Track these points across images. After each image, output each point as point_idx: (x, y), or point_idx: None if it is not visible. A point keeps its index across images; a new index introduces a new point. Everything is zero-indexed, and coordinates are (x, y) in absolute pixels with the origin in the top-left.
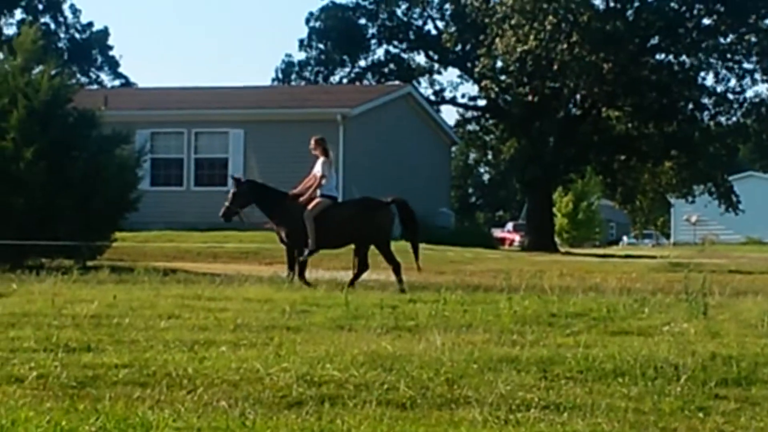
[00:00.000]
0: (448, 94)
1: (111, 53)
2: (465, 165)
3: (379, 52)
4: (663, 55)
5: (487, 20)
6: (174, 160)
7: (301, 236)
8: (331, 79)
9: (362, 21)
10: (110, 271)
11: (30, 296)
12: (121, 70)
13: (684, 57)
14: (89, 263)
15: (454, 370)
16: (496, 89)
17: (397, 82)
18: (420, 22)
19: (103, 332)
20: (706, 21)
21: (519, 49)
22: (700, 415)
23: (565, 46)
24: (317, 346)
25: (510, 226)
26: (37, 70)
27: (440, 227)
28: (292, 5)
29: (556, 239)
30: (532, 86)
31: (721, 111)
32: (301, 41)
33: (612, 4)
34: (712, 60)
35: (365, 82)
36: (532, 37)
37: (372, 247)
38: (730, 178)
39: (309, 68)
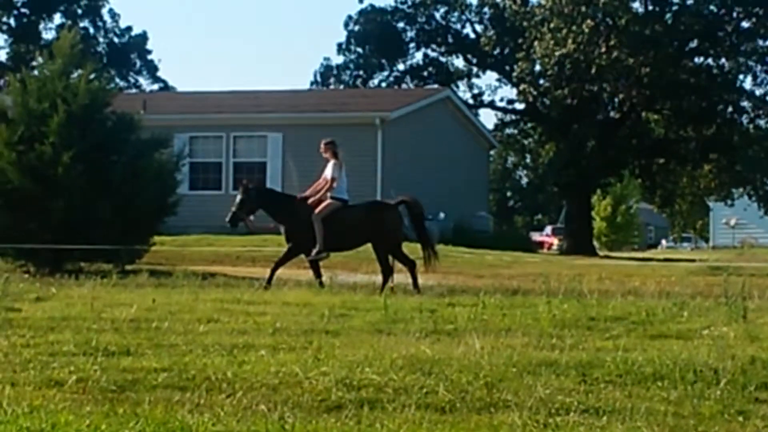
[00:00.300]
0: (486, 98)
1: (150, 57)
2: (503, 169)
3: (418, 56)
4: (702, 59)
5: (525, 24)
6: (212, 164)
7: (309, 239)
8: (370, 82)
9: (401, 25)
10: (149, 275)
11: (69, 300)
12: (159, 74)
13: (723, 60)
14: (128, 267)
15: (493, 373)
16: (535, 93)
17: (435, 86)
18: (458, 26)
19: (142, 336)
20: (744, 24)
21: (557, 53)
22: (740, 419)
23: (603, 49)
24: (356, 350)
25: (548, 229)
26: (76, 74)
27: (479, 231)
28: (330, 9)
29: (595, 243)
30: (570, 90)
31: (760, 114)
32: (340, 45)
33: (651, 8)
34: (750, 63)
35: (404, 85)
36: (570, 40)
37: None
38: None
39: (347, 72)
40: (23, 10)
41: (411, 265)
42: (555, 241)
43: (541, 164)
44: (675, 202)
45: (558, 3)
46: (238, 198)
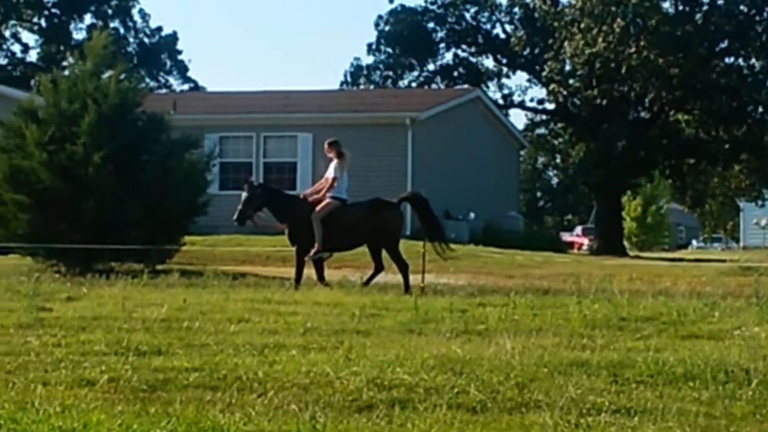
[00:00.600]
0: (516, 98)
1: (180, 58)
2: (533, 169)
3: (448, 56)
4: (732, 59)
5: (555, 24)
6: (243, 164)
7: (310, 238)
8: (400, 82)
9: (431, 25)
10: (180, 274)
11: (100, 300)
12: (189, 74)
13: (753, 60)
14: (159, 267)
15: (525, 373)
16: (565, 93)
17: (465, 86)
18: (488, 26)
19: (173, 336)
20: None
21: (587, 53)
22: None
23: (633, 49)
24: (387, 350)
25: (579, 230)
26: (106, 74)
27: (509, 231)
28: (361, 9)
29: (625, 243)
30: (600, 90)
31: None
32: (370, 45)
33: (681, 8)
34: None
35: (434, 85)
36: (600, 40)
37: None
38: None
39: (378, 72)
40: (54, 10)
41: (405, 267)
42: (585, 241)
43: (572, 164)
44: (705, 203)
45: (588, 3)
46: (245, 196)
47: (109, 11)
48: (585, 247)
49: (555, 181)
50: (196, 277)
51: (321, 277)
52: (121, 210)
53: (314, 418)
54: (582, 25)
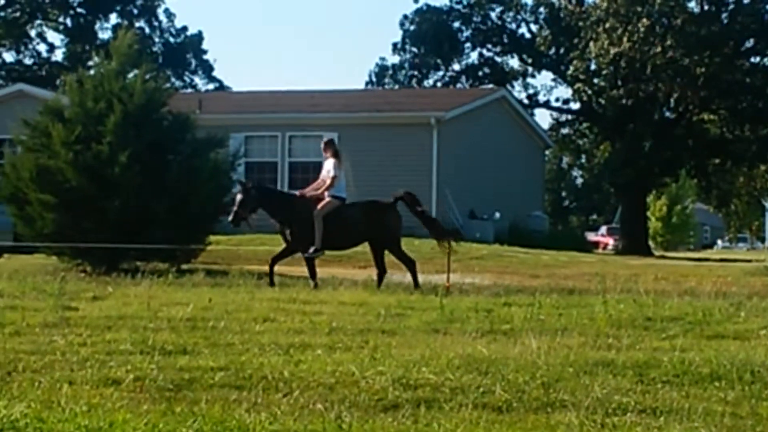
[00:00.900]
0: (541, 98)
1: (205, 57)
2: (558, 168)
3: (473, 56)
4: (758, 58)
5: (580, 23)
6: (268, 164)
7: (309, 237)
8: (425, 82)
9: (456, 24)
10: (205, 274)
11: (126, 299)
12: (215, 74)
13: None
14: (184, 266)
15: (550, 373)
16: (590, 92)
17: (490, 86)
18: (514, 26)
19: (198, 335)
20: None
21: (612, 52)
22: None
23: (658, 49)
24: (412, 350)
25: (604, 229)
26: (132, 74)
27: (534, 231)
28: (386, 9)
29: (650, 243)
30: (625, 89)
31: None
32: (395, 45)
33: (706, 7)
34: None
35: (459, 85)
36: (625, 39)
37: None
38: None
39: (403, 72)
40: (79, 10)
41: (411, 264)
42: (610, 241)
43: (596, 164)
44: (731, 202)
45: (614, 3)
46: (239, 197)
47: (135, 11)
48: (610, 247)
49: (580, 180)
50: (221, 276)
51: (313, 275)
52: (146, 209)
53: (340, 417)
54: (607, 25)
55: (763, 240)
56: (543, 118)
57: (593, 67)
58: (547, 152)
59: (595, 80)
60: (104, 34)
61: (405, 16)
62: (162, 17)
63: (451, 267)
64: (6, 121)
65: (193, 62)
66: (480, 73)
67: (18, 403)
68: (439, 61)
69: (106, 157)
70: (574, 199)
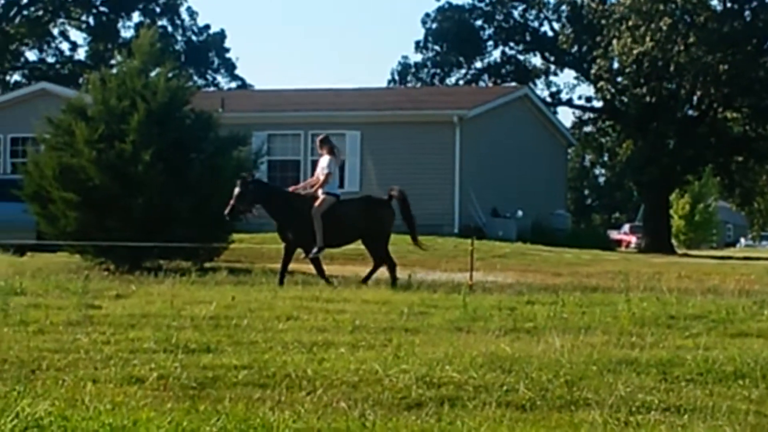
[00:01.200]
0: (564, 96)
1: (227, 55)
2: (581, 167)
3: (496, 54)
4: None
5: (603, 22)
6: (291, 162)
7: (308, 234)
8: (447, 80)
9: (478, 22)
10: (228, 272)
11: (149, 297)
12: (237, 72)
13: None
14: (207, 265)
15: (574, 371)
16: (613, 91)
17: (513, 84)
18: (536, 24)
19: (222, 333)
20: None
21: (635, 51)
22: None
23: (681, 47)
24: (436, 348)
25: (626, 227)
26: (154, 72)
27: (557, 229)
28: (408, 7)
29: (673, 241)
30: (648, 87)
31: None
32: (418, 43)
33: (729, 5)
34: None
35: (481, 83)
36: (648, 38)
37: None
38: None
39: (425, 70)
40: (102, 8)
41: (392, 265)
42: (633, 239)
43: (619, 162)
44: (754, 201)
45: (636, 0)
46: (237, 191)
47: (157, 9)
48: (633, 245)
49: (602, 179)
50: (244, 274)
51: (283, 273)
52: (169, 208)
53: (363, 415)
54: (630, 23)
55: None
56: (565, 116)
57: (616, 65)
58: (569, 150)
59: (618, 78)
60: (127, 33)
61: (427, 15)
62: (184, 15)
63: (474, 265)
64: (29, 119)
65: (216, 60)
66: (502, 71)
67: (42, 402)
68: (461, 59)
69: (129, 155)
70: (597, 198)
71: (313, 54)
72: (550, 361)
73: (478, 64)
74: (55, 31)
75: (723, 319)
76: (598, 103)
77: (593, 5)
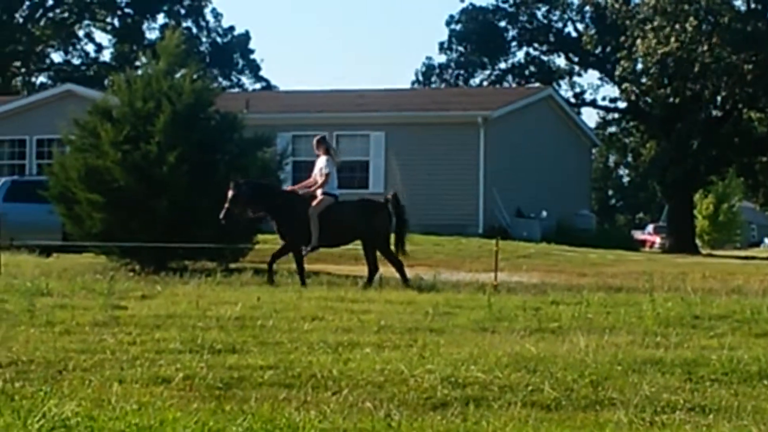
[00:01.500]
0: (588, 97)
1: (252, 57)
2: (605, 167)
3: (519, 55)
4: None
5: (627, 22)
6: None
7: (301, 233)
8: (471, 81)
9: (502, 23)
10: (253, 273)
11: (174, 298)
12: (262, 73)
13: None
14: (232, 265)
15: (599, 371)
16: (637, 91)
17: (537, 85)
18: (560, 25)
19: (247, 334)
20: None
21: (660, 51)
22: None
23: (706, 47)
24: (461, 348)
25: (650, 228)
26: (179, 74)
27: (581, 229)
28: (432, 8)
29: (697, 241)
30: (672, 88)
31: None
32: (442, 44)
33: (753, 5)
34: None
35: (505, 84)
36: (673, 38)
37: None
38: None
39: (449, 71)
40: (127, 10)
41: (399, 264)
42: (657, 239)
43: (643, 163)
44: None
45: (661, 1)
46: (230, 194)
47: (182, 11)
48: (657, 246)
49: (626, 179)
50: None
51: (301, 271)
52: (194, 209)
53: (389, 415)
54: (654, 24)
55: None
56: (590, 116)
57: (640, 66)
58: (593, 151)
59: (642, 79)
60: (152, 35)
61: (451, 16)
62: (209, 17)
63: (498, 265)
64: (55, 121)
65: (240, 62)
66: (526, 72)
67: (69, 402)
68: (485, 60)
69: (154, 156)
70: (621, 198)
71: (338, 55)
72: (575, 361)
73: (502, 65)
74: (81, 33)
75: (748, 319)
76: (622, 104)
77: (617, 6)
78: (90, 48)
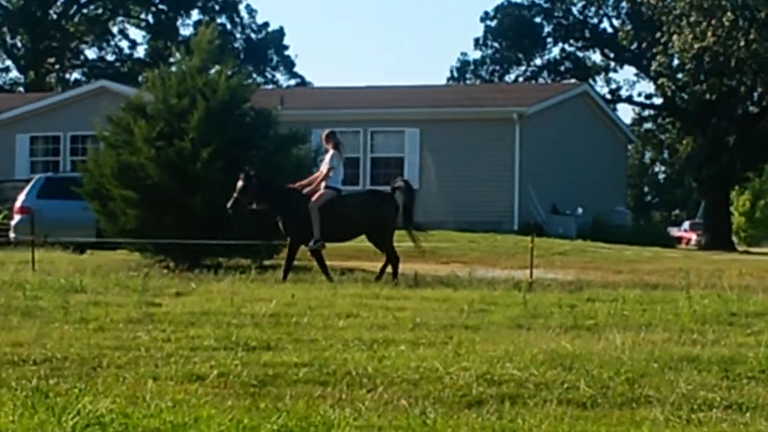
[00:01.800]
0: (624, 93)
1: (286, 53)
2: (640, 163)
3: (555, 51)
4: None
5: (663, 18)
6: (350, 159)
7: (305, 229)
8: (507, 77)
9: (537, 19)
10: None
11: (209, 295)
12: (296, 69)
13: None
14: (266, 262)
15: (635, 369)
16: (673, 87)
17: (572, 81)
18: (595, 21)
19: (282, 331)
20: None
21: (696, 47)
22: None
23: (742, 43)
24: (496, 345)
25: (687, 224)
26: (213, 70)
27: (617, 226)
28: (467, 4)
29: (734, 238)
30: (709, 84)
31: None
32: (477, 40)
33: None
34: None
35: (541, 80)
36: (709, 34)
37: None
38: None
39: (484, 67)
40: (161, 6)
41: (395, 259)
42: (693, 236)
43: (679, 159)
44: None
45: None
46: (240, 184)
47: (216, 7)
48: (693, 242)
49: (662, 175)
50: (303, 272)
51: (324, 268)
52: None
53: (424, 413)
54: (691, 19)
55: None
56: (625, 112)
57: (676, 62)
58: (629, 147)
59: (678, 75)
60: (186, 31)
61: (486, 12)
62: (243, 13)
63: (533, 262)
64: (89, 117)
65: (275, 58)
66: (562, 68)
67: (103, 399)
68: (520, 56)
69: (188, 153)
70: (657, 194)
71: (372, 51)
72: (610, 359)
73: (538, 61)
74: (115, 29)
75: None
76: (658, 100)
77: (653, 2)
78: (124, 44)
